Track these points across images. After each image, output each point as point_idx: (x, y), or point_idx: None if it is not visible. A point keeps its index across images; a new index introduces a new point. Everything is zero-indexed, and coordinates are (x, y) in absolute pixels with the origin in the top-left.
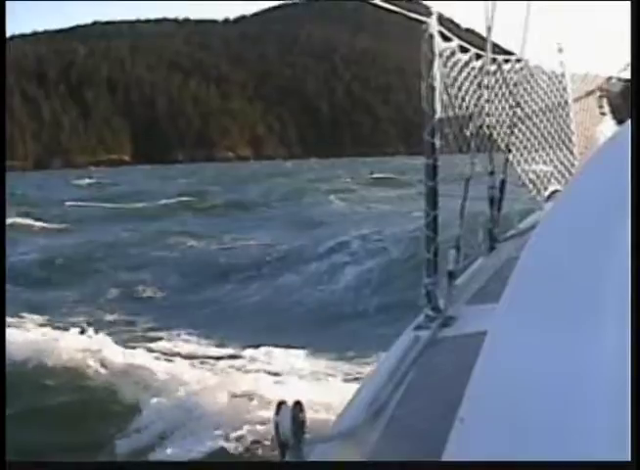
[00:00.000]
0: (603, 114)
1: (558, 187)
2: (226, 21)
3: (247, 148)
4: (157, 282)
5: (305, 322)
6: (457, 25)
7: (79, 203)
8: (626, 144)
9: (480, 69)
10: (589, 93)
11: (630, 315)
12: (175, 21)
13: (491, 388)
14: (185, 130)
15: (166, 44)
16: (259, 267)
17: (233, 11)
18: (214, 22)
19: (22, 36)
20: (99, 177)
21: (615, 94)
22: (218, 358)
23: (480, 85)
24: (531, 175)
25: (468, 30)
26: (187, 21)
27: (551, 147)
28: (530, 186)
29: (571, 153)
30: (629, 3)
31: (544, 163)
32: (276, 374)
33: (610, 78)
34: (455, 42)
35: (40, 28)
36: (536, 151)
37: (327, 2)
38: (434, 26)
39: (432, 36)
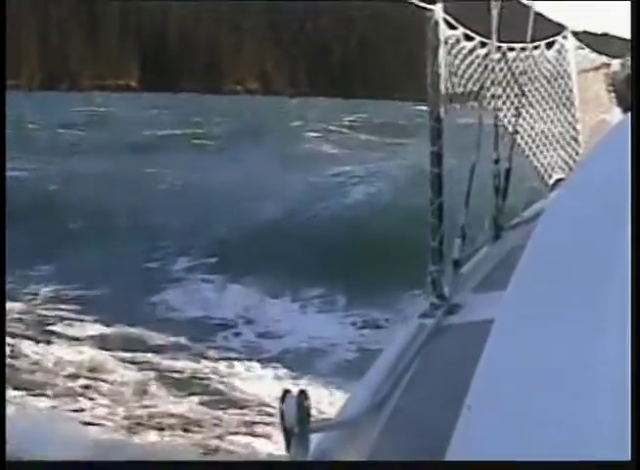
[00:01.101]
0: (609, 101)
1: (562, 176)
2: None
3: (255, 83)
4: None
5: None
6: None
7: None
8: (627, 134)
9: (485, 56)
10: (597, 68)
11: (630, 315)
12: None
13: (499, 375)
14: (194, 61)
15: None
16: None
17: None
18: None
19: None
20: (102, 104)
21: (620, 81)
22: None
23: (485, 70)
24: (537, 163)
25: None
26: None
27: (554, 136)
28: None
29: (576, 141)
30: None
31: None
32: None
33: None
34: (460, 30)
35: None
36: (541, 140)
37: None
38: (439, 14)
39: (437, 23)
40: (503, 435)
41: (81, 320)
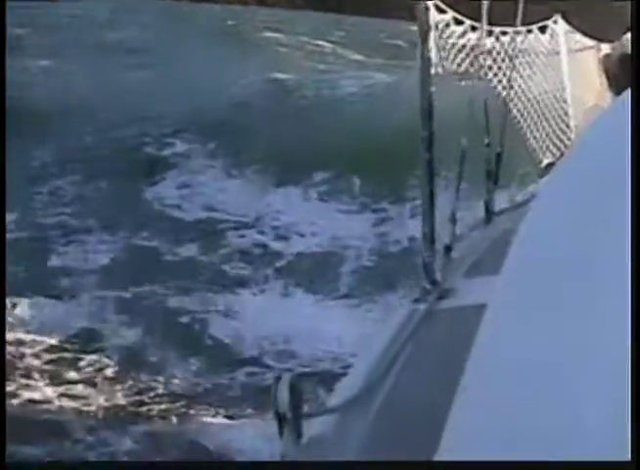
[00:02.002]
0: (600, 85)
1: (553, 160)
2: None
3: None
4: None
5: None
6: None
7: None
8: (624, 115)
9: (477, 40)
10: (588, 50)
11: (630, 309)
12: None
13: (493, 358)
14: None
15: None
16: None
17: None
18: None
19: None
20: None
21: (612, 63)
22: None
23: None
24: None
25: None
26: None
27: (547, 120)
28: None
29: (567, 126)
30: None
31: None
32: None
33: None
34: (450, 14)
35: None
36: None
37: None
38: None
39: (427, 8)
40: (498, 418)
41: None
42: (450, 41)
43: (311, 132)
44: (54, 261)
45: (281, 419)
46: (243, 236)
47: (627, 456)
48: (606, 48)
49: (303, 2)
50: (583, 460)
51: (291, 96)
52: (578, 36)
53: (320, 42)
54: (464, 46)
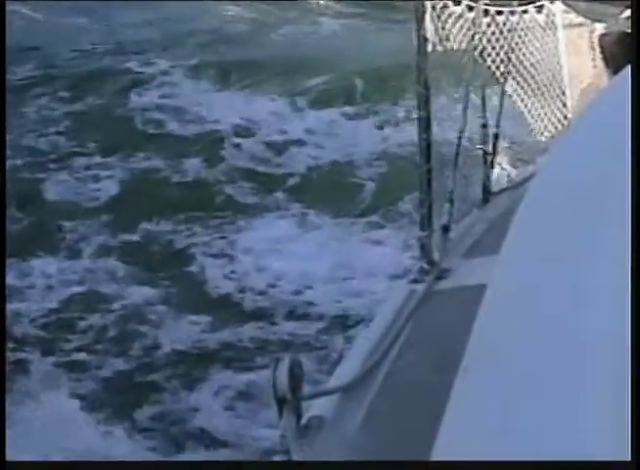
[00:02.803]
0: (596, 65)
1: (550, 141)
2: None
3: None
4: None
5: None
6: None
7: None
8: (622, 94)
9: (474, 20)
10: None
11: (630, 296)
12: None
13: (495, 338)
14: None
15: None
16: None
17: None
18: None
19: None
20: None
21: (609, 43)
22: None
23: (473, 37)
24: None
25: None
26: None
27: (545, 99)
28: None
29: (564, 105)
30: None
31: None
32: None
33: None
34: None
35: None
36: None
37: None
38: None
39: None
40: (501, 399)
41: None
42: (449, 21)
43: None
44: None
45: (280, 401)
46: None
47: (627, 456)
48: (600, 28)
49: None
50: (583, 460)
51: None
52: (572, 15)
53: None
54: (462, 26)
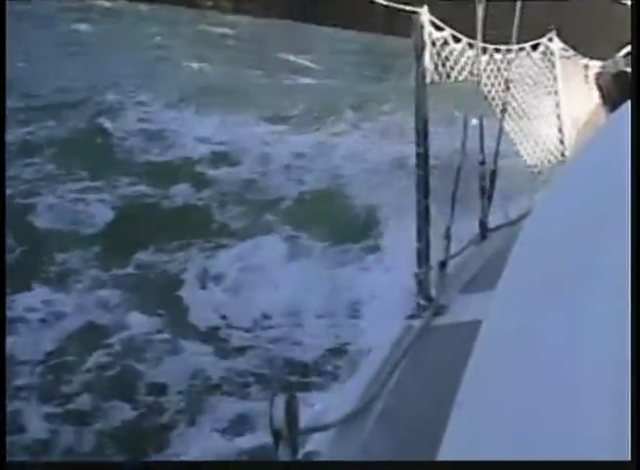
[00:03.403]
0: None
1: (547, 178)
2: None
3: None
4: None
5: None
6: None
7: None
8: (619, 132)
9: (473, 58)
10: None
11: (630, 314)
12: None
13: (490, 374)
14: None
15: None
16: None
17: None
18: None
19: None
20: None
21: (606, 81)
22: None
23: (471, 73)
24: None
25: None
26: None
27: (540, 136)
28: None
29: (561, 142)
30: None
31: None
32: None
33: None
34: (447, 31)
35: None
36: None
37: None
38: (425, 16)
39: (422, 26)
40: (496, 433)
41: None
42: (451, 58)
43: None
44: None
45: (277, 436)
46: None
47: (627, 456)
48: (594, 65)
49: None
50: (583, 460)
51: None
52: (569, 53)
53: None
54: (463, 65)
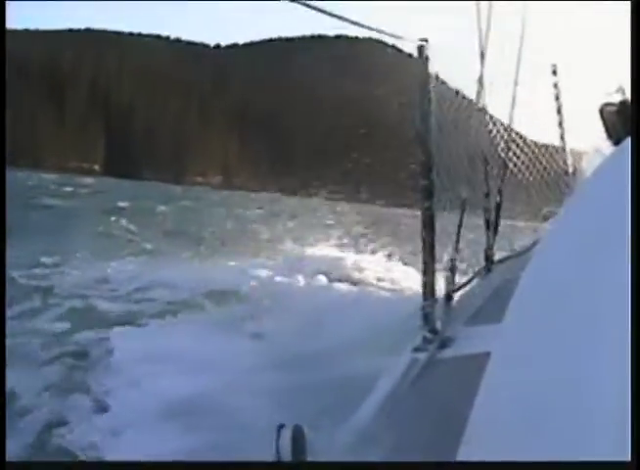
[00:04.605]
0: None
1: (553, 208)
2: (217, 46)
3: (217, 176)
4: None
5: None
6: None
7: None
8: (622, 166)
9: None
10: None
11: (631, 327)
12: (167, 39)
13: (498, 407)
14: (158, 149)
15: (154, 60)
16: None
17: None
18: (205, 46)
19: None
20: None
21: (610, 113)
22: None
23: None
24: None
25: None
26: (178, 41)
27: (545, 168)
28: None
29: (566, 173)
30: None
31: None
32: None
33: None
34: (454, 88)
35: (32, 27)
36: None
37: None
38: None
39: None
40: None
41: None
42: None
43: None
44: None
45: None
46: None
47: (627, 456)
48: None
49: None
50: (583, 460)
51: None
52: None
53: None
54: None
